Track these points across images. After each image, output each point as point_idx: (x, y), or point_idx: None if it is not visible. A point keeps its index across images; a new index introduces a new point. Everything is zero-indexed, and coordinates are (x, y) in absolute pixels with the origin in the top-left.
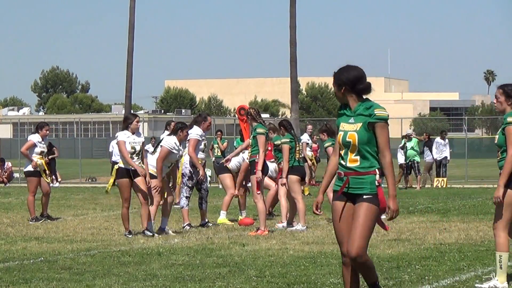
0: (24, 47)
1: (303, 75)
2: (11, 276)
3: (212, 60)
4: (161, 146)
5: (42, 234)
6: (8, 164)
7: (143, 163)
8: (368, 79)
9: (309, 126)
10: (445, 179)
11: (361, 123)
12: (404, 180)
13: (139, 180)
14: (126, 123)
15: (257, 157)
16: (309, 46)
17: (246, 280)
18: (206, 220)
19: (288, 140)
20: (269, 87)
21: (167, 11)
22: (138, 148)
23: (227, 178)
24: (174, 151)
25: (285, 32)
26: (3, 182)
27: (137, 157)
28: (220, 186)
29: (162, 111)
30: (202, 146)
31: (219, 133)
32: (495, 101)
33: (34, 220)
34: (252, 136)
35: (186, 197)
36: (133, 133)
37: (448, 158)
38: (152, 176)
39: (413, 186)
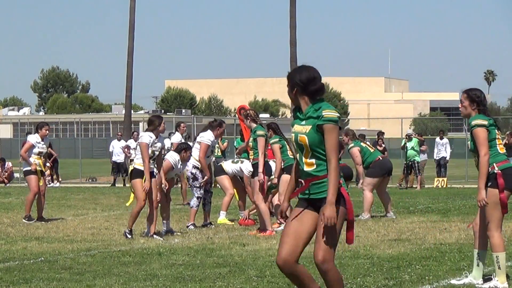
0: (24, 47)
1: None
2: (11, 276)
3: (212, 60)
4: (165, 159)
5: (42, 234)
6: (8, 164)
7: (157, 169)
8: (368, 79)
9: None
10: (445, 179)
11: (311, 126)
12: (404, 180)
13: (152, 183)
14: (153, 126)
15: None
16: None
17: (247, 280)
18: (209, 221)
19: (277, 139)
20: (269, 87)
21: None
22: (156, 153)
23: (224, 179)
24: (174, 167)
25: (285, 32)
26: (4, 182)
27: (153, 161)
28: (219, 186)
29: (162, 111)
30: (209, 152)
31: None
32: (460, 106)
33: (27, 218)
34: (252, 138)
35: (197, 198)
36: (157, 137)
37: (447, 158)
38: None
39: (413, 186)
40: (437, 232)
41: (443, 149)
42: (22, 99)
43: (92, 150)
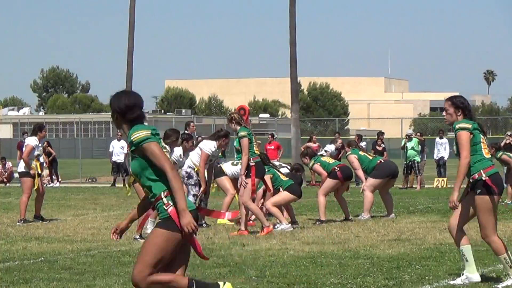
0: (24, 47)
1: (305, 75)
2: (11, 276)
3: (212, 60)
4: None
5: (42, 234)
6: (9, 163)
7: None
8: (368, 79)
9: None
10: (445, 179)
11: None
12: (404, 180)
13: None
14: (170, 140)
15: (251, 161)
16: (309, 46)
17: (247, 280)
18: (203, 221)
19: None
20: (269, 87)
21: (167, 11)
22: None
23: (224, 180)
24: (177, 162)
25: (285, 32)
26: (4, 182)
27: None
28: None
29: (162, 111)
30: (208, 160)
31: None
32: (444, 114)
33: (22, 222)
34: (236, 140)
35: (193, 195)
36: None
37: (445, 158)
38: None
39: (413, 186)
40: (437, 232)
41: (442, 148)
42: (22, 99)
43: (92, 150)
